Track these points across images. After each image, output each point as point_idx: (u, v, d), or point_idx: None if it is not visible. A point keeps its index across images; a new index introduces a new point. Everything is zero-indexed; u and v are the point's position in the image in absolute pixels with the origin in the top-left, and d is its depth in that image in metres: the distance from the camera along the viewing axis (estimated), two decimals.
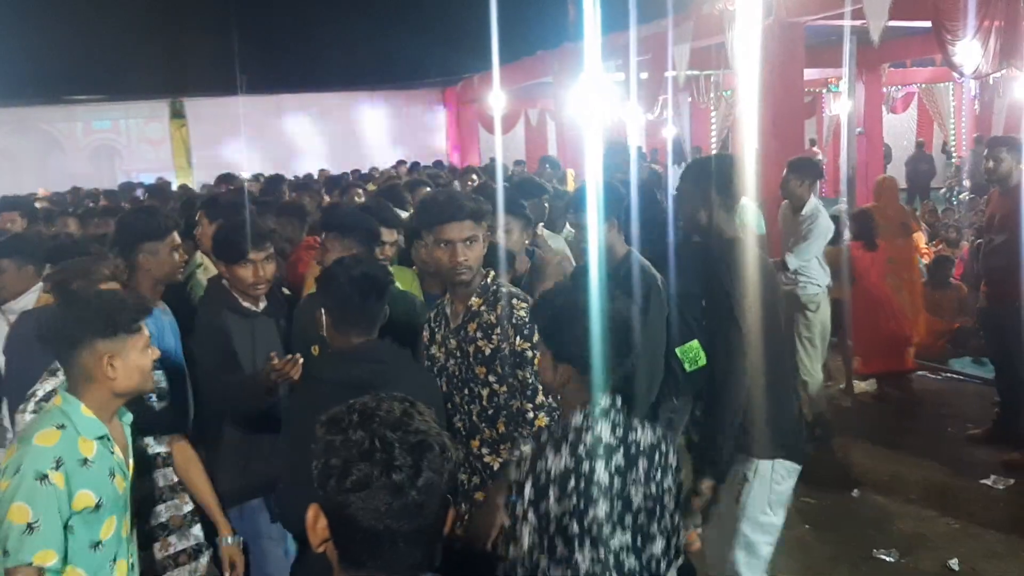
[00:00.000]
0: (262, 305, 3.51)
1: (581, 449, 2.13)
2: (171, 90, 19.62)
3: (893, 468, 5.45)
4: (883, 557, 4.42)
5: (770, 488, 3.23)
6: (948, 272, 7.61)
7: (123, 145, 19.44)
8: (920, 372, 7.15)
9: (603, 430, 2.19)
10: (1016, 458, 5.26)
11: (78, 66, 18.05)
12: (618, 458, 2.16)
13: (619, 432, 2.18)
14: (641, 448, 2.19)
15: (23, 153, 17.55)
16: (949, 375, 6.97)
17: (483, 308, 2.97)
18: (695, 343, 3.51)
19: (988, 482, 5.15)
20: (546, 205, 5.35)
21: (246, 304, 3.47)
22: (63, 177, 14.90)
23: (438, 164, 16.09)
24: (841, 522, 4.80)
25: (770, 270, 3.34)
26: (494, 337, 2.91)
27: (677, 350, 3.60)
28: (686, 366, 3.57)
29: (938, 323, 7.47)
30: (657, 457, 2.30)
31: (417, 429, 1.73)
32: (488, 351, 2.93)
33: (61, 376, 2.91)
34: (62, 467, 2.21)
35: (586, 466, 2.11)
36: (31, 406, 2.77)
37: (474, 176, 10.41)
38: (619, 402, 2.32)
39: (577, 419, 2.24)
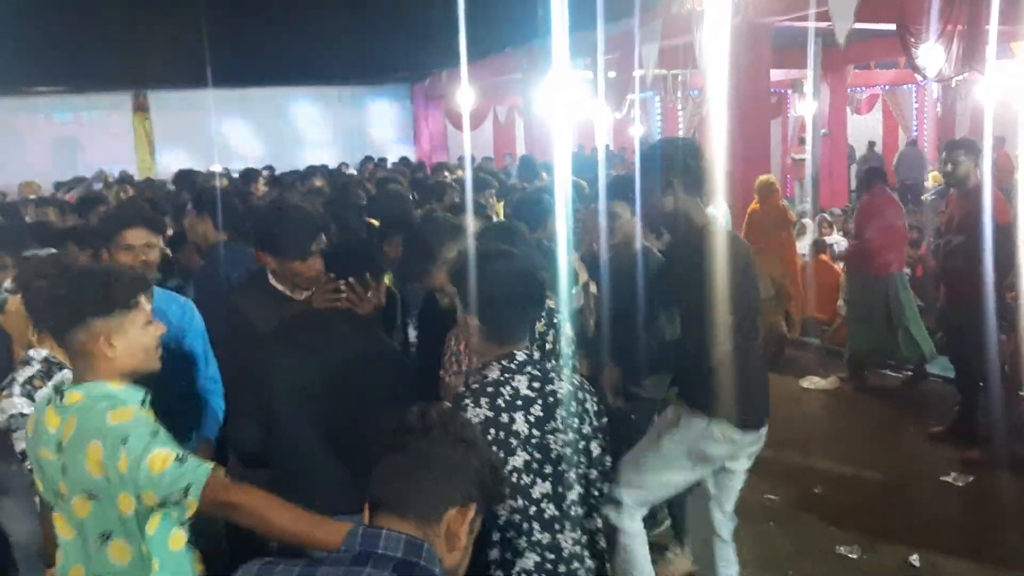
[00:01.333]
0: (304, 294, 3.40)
1: (500, 401, 2.27)
2: (134, 82, 19.34)
3: (855, 465, 5.51)
4: (845, 553, 4.47)
5: (694, 439, 3.23)
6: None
7: (85, 137, 19.12)
8: (882, 370, 7.25)
9: (521, 383, 2.32)
10: (976, 456, 5.35)
11: (38, 56, 17.69)
12: (535, 409, 2.31)
13: (536, 384, 2.35)
14: (559, 397, 2.37)
15: None
16: (910, 373, 7.06)
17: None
18: None
19: (948, 479, 5.23)
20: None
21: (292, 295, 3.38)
22: (23, 169, 14.61)
23: (404, 160, 16.04)
24: (803, 518, 4.85)
25: (744, 251, 3.34)
26: None
27: None
28: None
29: None
30: (575, 406, 2.40)
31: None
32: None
33: (36, 365, 2.93)
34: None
35: (505, 417, 2.26)
36: (17, 389, 2.85)
37: (446, 172, 10.40)
38: (536, 355, 2.39)
39: (494, 373, 2.32)
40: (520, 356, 2.36)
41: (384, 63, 21.01)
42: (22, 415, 2.83)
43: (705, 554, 3.57)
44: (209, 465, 2.12)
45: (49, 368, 2.93)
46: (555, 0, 6.45)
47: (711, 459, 3.30)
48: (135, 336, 2.25)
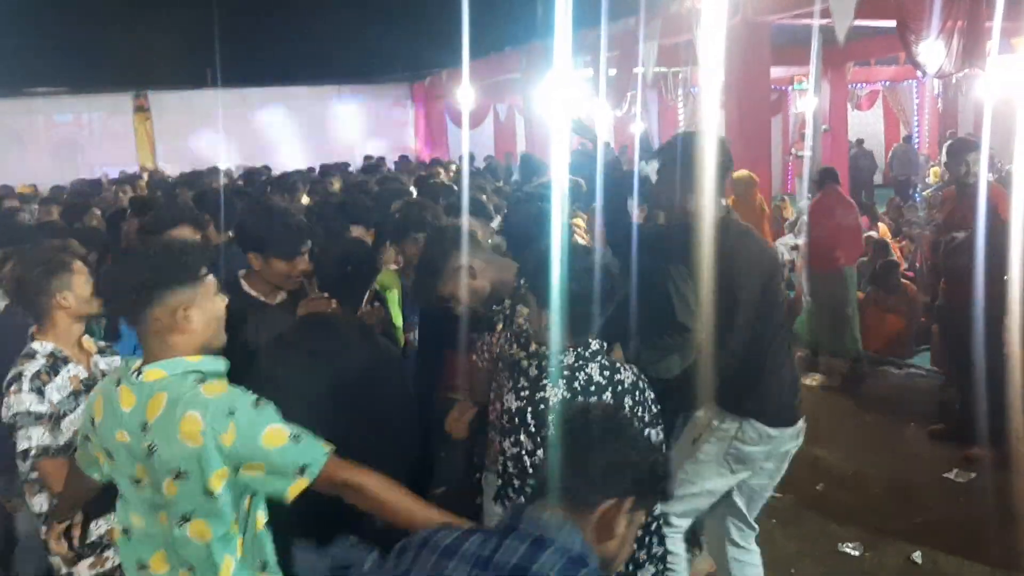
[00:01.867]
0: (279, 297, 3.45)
1: (576, 384, 2.40)
2: (135, 83, 19.34)
3: (856, 463, 5.52)
4: (848, 551, 4.48)
5: (730, 443, 3.21)
6: (895, 277, 7.75)
7: (85, 139, 19.13)
8: (882, 367, 7.26)
9: (593, 370, 2.45)
10: (977, 453, 5.35)
11: (38, 58, 17.74)
12: (607, 396, 2.43)
13: (607, 373, 2.47)
14: (626, 387, 2.49)
15: None
16: (911, 371, 7.07)
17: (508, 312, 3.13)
18: None
19: (950, 476, 5.23)
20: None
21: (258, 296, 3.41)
22: (24, 172, 14.63)
23: (403, 159, 16.06)
24: (805, 517, 4.85)
25: (763, 245, 3.34)
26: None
27: None
28: None
29: (895, 323, 7.61)
30: (638, 395, 2.52)
31: None
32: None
33: (41, 360, 2.86)
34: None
35: (580, 401, 2.35)
36: (26, 384, 2.80)
37: (440, 169, 10.41)
38: (604, 346, 2.47)
39: (569, 358, 2.43)
40: (594, 345, 2.48)
41: (385, 62, 21.06)
42: (28, 413, 2.77)
43: (721, 558, 3.56)
44: (328, 447, 2.15)
45: (55, 362, 2.88)
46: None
47: (749, 460, 3.27)
48: (209, 306, 2.24)
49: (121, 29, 18.97)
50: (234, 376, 2.25)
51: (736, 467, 3.27)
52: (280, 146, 19.35)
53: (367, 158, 15.87)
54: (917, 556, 4.39)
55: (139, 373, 2.16)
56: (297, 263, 3.34)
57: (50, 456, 2.79)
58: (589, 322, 2.50)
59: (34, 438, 2.78)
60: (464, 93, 15.70)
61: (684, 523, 3.36)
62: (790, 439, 3.31)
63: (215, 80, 14.56)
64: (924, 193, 13.48)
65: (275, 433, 2.09)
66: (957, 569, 4.29)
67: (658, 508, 3.16)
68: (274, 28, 19.76)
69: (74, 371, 2.90)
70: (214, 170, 10.97)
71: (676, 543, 3.32)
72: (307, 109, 21.51)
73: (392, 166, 14.21)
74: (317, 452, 2.12)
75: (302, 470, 2.10)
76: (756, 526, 3.50)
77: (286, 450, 2.09)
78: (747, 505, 3.41)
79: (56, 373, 2.86)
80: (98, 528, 2.85)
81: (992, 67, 7.71)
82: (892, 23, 8.40)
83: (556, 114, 11.46)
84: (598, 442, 1.75)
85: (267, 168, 13.90)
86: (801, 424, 3.34)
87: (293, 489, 2.11)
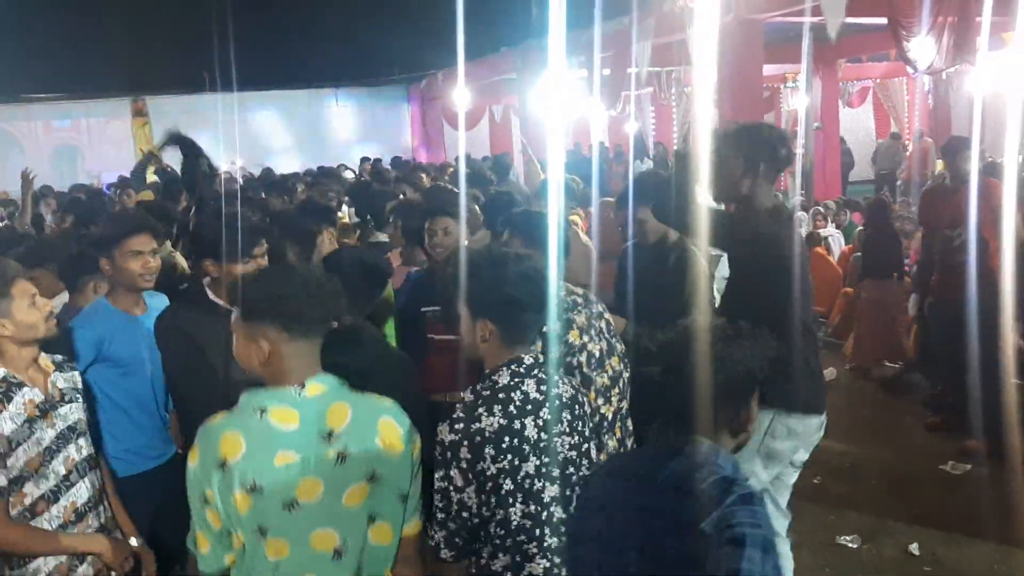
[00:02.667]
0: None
1: (511, 407, 2.27)
2: (133, 88, 19.35)
3: (853, 456, 5.58)
4: (845, 543, 4.55)
5: (762, 440, 3.26)
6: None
7: (84, 144, 19.16)
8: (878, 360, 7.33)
9: (530, 387, 2.32)
10: (973, 445, 5.42)
11: (37, 63, 17.75)
12: (544, 413, 2.31)
13: (543, 387, 2.34)
14: (564, 400, 2.37)
15: None
16: (907, 364, 7.13)
17: None
18: None
19: (946, 468, 5.31)
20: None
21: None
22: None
23: (396, 160, 16.12)
24: (803, 509, 4.90)
25: (798, 235, 3.39)
26: None
27: None
28: None
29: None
30: (577, 408, 2.41)
31: None
32: None
33: None
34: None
35: (517, 423, 2.26)
36: None
37: (422, 175, 10.52)
38: (540, 357, 2.40)
39: (504, 378, 2.32)
40: (528, 359, 2.35)
41: (381, 65, 21.10)
42: None
43: None
44: None
45: (8, 388, 2.64)
46: (550, 0, 6.51)
47: (779, 456, 3.31)
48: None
49: (119, 34, 18.99)
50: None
51: (768, 464, 3.31)
52: (278, 149, 19.39)
53: (364, 159, 15.92)
54: (915, 548, 4.45)
55: (302, 388, 2.15)
56: (252, 266, 3.24)
57: None
58: (527, 331, 2.37)
59: None
60: (460, 94, 15.76)
61: None
62: (815, 430, 3.35)
63: (213, 84, 14.54)
64: (924, 188, 13.55)
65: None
66: (955, 560, 4.36)
67: None
68: (271, 32, 19.79)
69: (29, 395, 2.68)
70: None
71: None
72: (304, 112, 21.54)
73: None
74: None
75: (415, 514, 2.28)
76: (789, 513, 3.56)
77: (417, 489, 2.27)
78: (776, 492, 3.46)
79: (9, 400, 2.63)
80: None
81: (982, 62, 7.79)
82: (883, 20, 8.48)
83: (552, 114, 11.55)
84: (703, 369, 1.87)
85: (269, 170, 13.95)
86: (824, 417, 3.37)
87: (409, 529, 2.27)
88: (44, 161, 18.20)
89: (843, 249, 9.36)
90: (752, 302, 3.18)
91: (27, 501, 2.64)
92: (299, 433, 2.10)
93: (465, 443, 2.21)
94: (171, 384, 3.40)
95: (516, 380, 2.31)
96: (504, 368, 2.33)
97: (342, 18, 19.86)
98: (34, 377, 2.74)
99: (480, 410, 2.25)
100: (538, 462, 2.27)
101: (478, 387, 2.34)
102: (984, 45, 7.58)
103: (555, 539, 2.28)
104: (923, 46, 7.83)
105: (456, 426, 2.24)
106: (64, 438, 2.73)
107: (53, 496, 2.69)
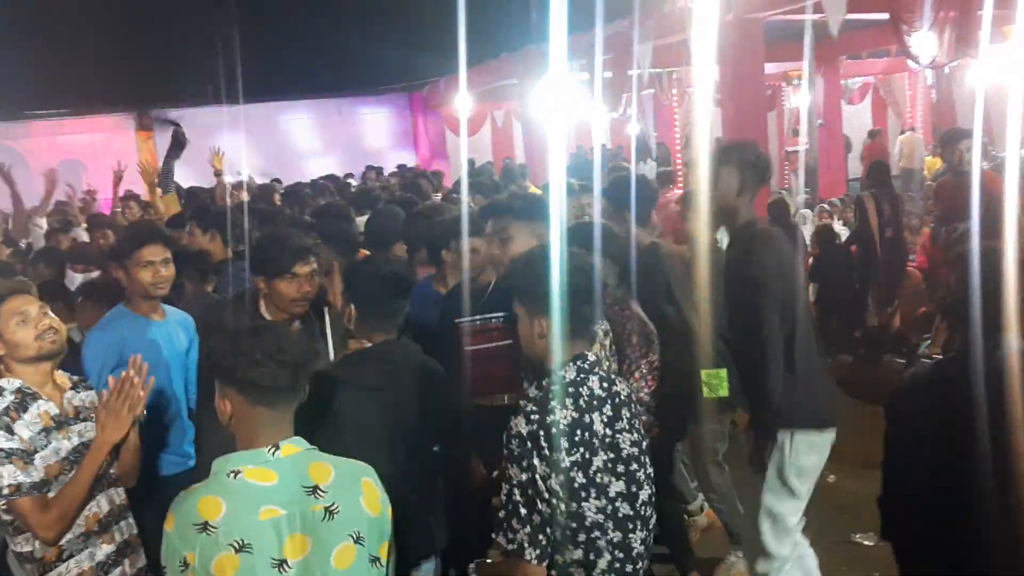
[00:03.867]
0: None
1: (581, 402, 2.32)
2: (136, 103, 19.42)
3: (866, 452, 5.53)
4: (860, 541, 4.53)
5: (788, 460, 3.30)
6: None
7: (89, 160, 19.21)
8: (887, 356, 7.31)
9: (594, 383, 2.37)
10: None
11: (39, 81, 17.84)
12: (607, 409, 2.36)
13: (606, 385, 2.40)
14: (623, 399, 2.43)
15: None
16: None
17: None
18: (723, 372, 3.56)
19: None
20: None
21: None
22: (30, 195, 14.69)
23: (402, 168, 16.15)
24: (817, 507, 4.88)
25: (791, 248, 3.45)
26: None
27: (703, 373, 3.63)
28: (704, 391, 3.62)
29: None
30: (632, 407, 2.47)
31: None
32: None
33: (9, 396, 2.71)
34: None
35: (587, 418, 2.31)
36: None
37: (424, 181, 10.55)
38: (599, 357, 2.49)
39: (571, 373, 2.35)
40: (591, 356, 2.41)
41: (381, 73, 21.15)
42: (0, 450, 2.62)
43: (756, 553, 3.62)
44: None
45: (23, 399, 2.71)
46: (549, 3, 6.53)
47: (809, 472, 3.40)
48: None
49: (121, 50, 19.07)
50: None
51: (800, 480, 3.40)
52: (282, 160, 19.43)
53: (369, 168, 15.95)
54: None
55: (276, 450, 2.10)
56: (296, 284, 3.28)
57: (24, 493, 2.63)
58: (589, 324, 2.43)
59: (5, 476, 2.60)
60: (461, 101, 15.79)
61: (787, 551, 3.49)
62: (831, 440, 3.45)
63: (216, 97, 14.60)
64: (926, 184, 13.55)
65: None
66: None
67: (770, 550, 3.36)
68: (272, 44, 19.87)
69: (44, 407, 2.73)
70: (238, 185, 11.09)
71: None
72: (307, 122, 21.59)
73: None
74: None
75: None
76: (804, 517, 3.60)
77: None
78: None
79: (25, 410, 2.70)
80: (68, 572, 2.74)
81: (985, 56, 7.78)
82: (884, 15, 8.48)
83: (553, 118, 11.57)
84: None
85: (278, 181, 14.00)
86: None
87: None
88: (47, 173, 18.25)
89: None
90: (757, 317, 3.23)
91: None
92: (280, 488, 2.05)
93: (542, 432, 2.25)
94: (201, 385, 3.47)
95: (582, 376, 2.36)
96: (571, 364, 2.37)
97: (343, 28, 19.93)
98: (50, 392, 2.80)
99: (553, 403, 2.31)
100: (606, 457, 2.32)
101: (544, 382, 2.37)
102: (986, 39, 7.58)
103: (619, 534, 2.33)
104: (925, 40, 7.82)
105: (532, 417, 2.29)
106: (81, 453, 2.76)
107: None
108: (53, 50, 17.78)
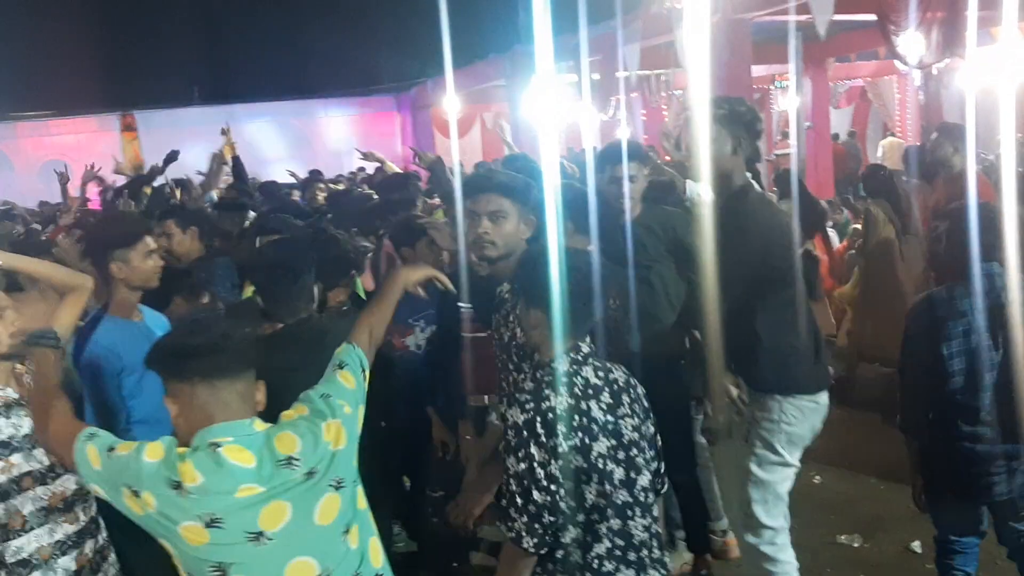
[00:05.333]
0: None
1: (576, 389, 2.37)
2: (121, 103, 19.33)
3: (852, 454, 5.54)
4: (846, 542, 4.49)
5: (779, 427, 3.26)
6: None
7: (74, 160, 19.11)
8: (875, 362, 7.27)
9: (588, 372, 2.42)
10: None
11: (21, 81, 17.74)
12: (605, 396, 2.40)
13: (601, 374, 2.44)
14: (621, 385, 2.47)
15: None
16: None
17: (507, 296, 2.99)
18: None
19: None
20: None
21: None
22: (14, 195, 14.62)
23: (380, 171, 16.09)
24: (803, 508, 4.85)
25: (782, 214, 3.42)
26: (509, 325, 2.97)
27: None
28: None
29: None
30: (632, 392, 2.50)
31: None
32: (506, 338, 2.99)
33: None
34: None
35: (584, 404, 2.35)
36: None
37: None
38: (592, 346, 2.49)
39: (563, 364, 2.40)
40: (584, 348, 2.46)
41: (371, 74, 21.13)
42: None
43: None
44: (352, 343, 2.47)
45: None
46: (536, 5, 6.49)
47: (800, 439, 3.34)
48: None
49: (106, 49, 18.97)
50: None
51: (789, 448, 3.33)
52: (268, 159, 19.37)
53: (360, 169, 15.89)
54: (916, 545, 4.42)
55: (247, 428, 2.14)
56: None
57: None
58: (587, 322, 2.46)
59: None
60: (450, 102, 15.75)
61: (780, 523, 3.39)
62: (825, 408, 3.37)
63: (202, 97, 14.57)
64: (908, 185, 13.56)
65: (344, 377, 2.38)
66: None
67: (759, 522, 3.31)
68: (258, 44, 19.81)
69: (1, 395, 2.82)
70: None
71: (785, 549, 3.40)
72: (294, 122, 21.53)
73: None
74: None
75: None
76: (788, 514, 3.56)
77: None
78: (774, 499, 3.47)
79: (7, 417, 2.78)
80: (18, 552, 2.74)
81: (972, 57, 7.77)
82: (872, 16, 8.47)
83: (542, 119, 11.53)
84: None
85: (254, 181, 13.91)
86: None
87: None
88: (34, 177, 18.16)
89: (838, 247, 9.33)
90: (745, 284, 3.20)
91: (14, 472, 2.73)
92: (258, 468, 2.07)
93: (539, 419, 2.29)
94: None
95: (575, 367, 2.41)
96: (564, 355, 2.42)
97: (330, 27, 19.88)
98: (6, 379, 2.86)
99: (546, 391, 2.35)
100: (609, 444, 2.35)
101: (538, 374, 2.44)
102: (972, 40, 7.57)
103: (618, 521, 2.37)
104: (912, 41, 7.82)
105: (527, 406, 2.34)
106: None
107: (41, 477, 2.78)
108: (38, 51, 17.67)
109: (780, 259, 3.25)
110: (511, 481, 2.30)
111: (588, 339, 2.50)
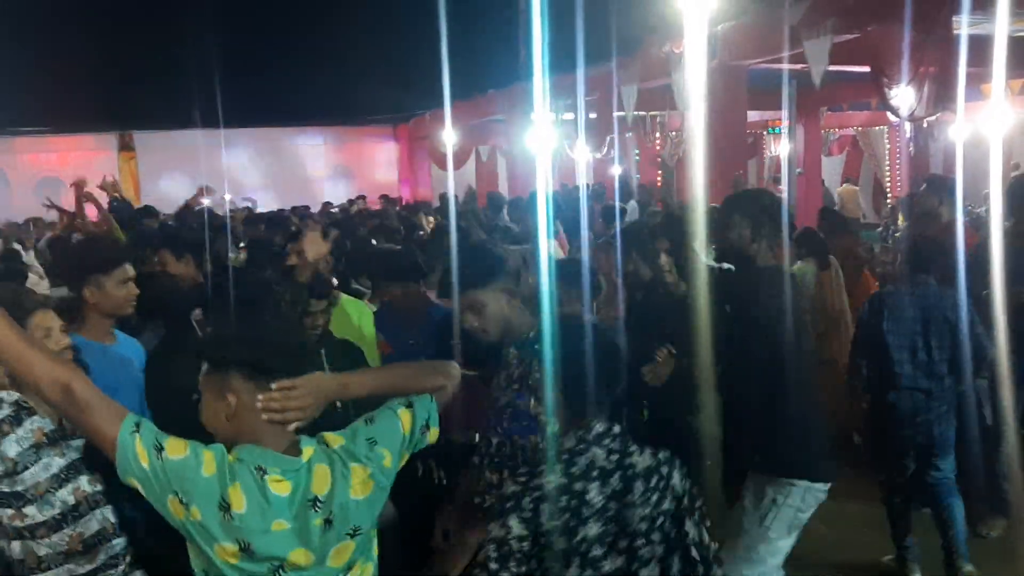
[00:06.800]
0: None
1: (574, 469, 2.28)
2: (118, 123, 19.42)
3: (832, 496, 5.54)
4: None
5: (795, 514, 3.29)
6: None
7: (69, 178, 19.14)
8: None
9: (597, 454, 2.31)
10: None
11: (20, 98, 17.78)
12: (614, 481, 2.29)
13: (615, 457, 2.32)
14: (638, 472, 2.33)
15: None
16: None
17: (514, 361, 3.01)
18: None
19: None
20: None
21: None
22: (7, 211, 14.64)
23: (385, 199, 16.20)
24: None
25: (799, 293, 3.52)
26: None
27: None
28: None
29: None
30: (655, 480, 2.35)
31: None
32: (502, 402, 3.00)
33: (6, 409, 2.69)
34: None
35: (579, 486, 2.26)
36: None
37: (430, 219, 10.56)
38: (615, 427, 2.37)
39: (570, 441, 2.33)
40: (598, 427, 2.35)
41: (369, 105, 21.28)
42: None
43: None
44: (430, 395, 2.36)
45: (18, 412, 2.70)
46: (536, 43, 6.61)
47: (801, 524, 3.36)
48: None
49: (105, 69, 19.08)
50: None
51: (794, 531, 3.36)
52: (263, 186, 19.46)
53: (360, 198, 16.02)
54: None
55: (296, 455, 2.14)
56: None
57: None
58: (583, 404, 2.36)
59: None
60: (447, 135, 15.91)
61: None
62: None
63: (200, 120, 14.64)
64: (897, 235, 13.71)
65: (405, 415, 2.31)
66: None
67: None
68: (258, 70, 19.95)
69: (39, 424, 2.71)
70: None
71: None
72: (291, 149, 21.67)
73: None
74: (427, 403, 2.37)
75: (427, 424, 2.36)
76: None
77: (415, 419, 2.33)
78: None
79: (20, 424, 2.69)
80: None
81: (962, 112, 7.93)
82: (866, 68, 8.64)
83: (537, 156, 11.66)
84: None
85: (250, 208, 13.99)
86: None
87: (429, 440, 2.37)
88: (29, 194, 18.17)
89: None
90: (758, 364, 3.27)
91: (27, 522, 2.65)
92: (291, 500, 2.10)
93: (526, 496, 2.24)
94: None
95: (583, 446, 2.32)
96: (571, 432, 2.35)
97: (330, 57, 20.07)
98: (48, 410, 2.74)
99: (542, 467, 2.31)
100: (600, 530, 2.26)
101: (540, 446, 2.43)
102: (963, 95, 7.73)
103: None
104: (904, 94, 7.98)
105: (519, 478, 2.31)
106: (75, 468, 2.73)
107: (56, 524, 2.68)
108: (39, 67, 17.76)
109: (808, 341, 3.34)
110: (490, 543, 2.27)
111: (607, 418, 2.39)
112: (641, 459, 2.36)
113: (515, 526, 2.23)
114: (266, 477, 2.08)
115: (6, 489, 2.63)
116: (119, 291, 3.45)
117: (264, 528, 2.06)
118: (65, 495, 2.71)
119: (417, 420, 2.30)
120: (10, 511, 2.65)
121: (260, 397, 2.10)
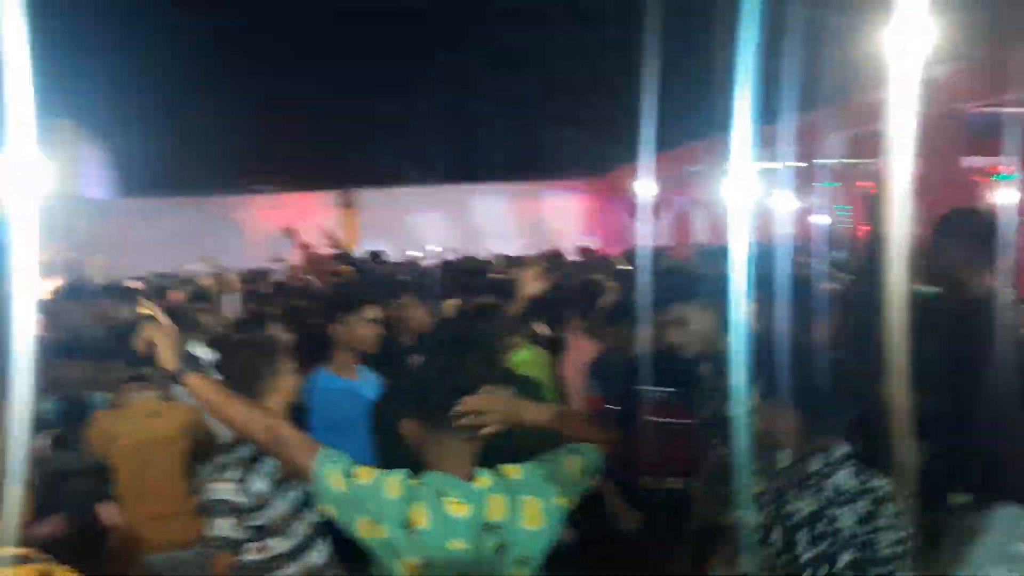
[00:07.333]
0: None
1: (825, 494, 2.21)
2: (342, 180, 20.92)
3: None
4: None
5: (1008, 541, 3.09)
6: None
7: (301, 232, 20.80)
8: None
9: (841, 477, 2.25)
10: None
11: (260, 159, 19.68)
12: (861, 505, 2.20)
13: (860, 479, 2.25)
14: (881, 495, 2.25)
15: (207, 237, 18.89)
16: None
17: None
18: None
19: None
20: None
21: None
22: (245, 260, 16.07)
23: (585, 252, 16.44)
24: None
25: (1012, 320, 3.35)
26: None
27: None
28: None
29: None
30: (891, 506, 2.27)
31: None
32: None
33: (245, 449, 2.91)
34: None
35: (830, 511, 2.19)
36: (227, 473, 2.86)
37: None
38: (850, 449, 2.30)
39: (815, 463, 2.28)
40: (841, 449, 2.28)
41: (563, 159, 21.77)
42: (223, 502, 2.76)
43: None
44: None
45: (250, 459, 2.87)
46: (737, 95, 6.67)
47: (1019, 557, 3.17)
48: None
49: (329, 130, 20.67)
50: None
51: (1012, 567, 3.16)
52: (476, 239, 20.21)
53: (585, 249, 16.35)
54: None
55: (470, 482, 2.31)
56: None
57: (226, 549, 2.78)
58: (824, 423, 2.29)
59: (222, 528, 2.76)
60: (644, 188, 16.04)
61: None
62: None
63: (414, 178, 15.53)
64: None
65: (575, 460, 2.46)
66: None
67: None
68: (464, 129, 20.97)
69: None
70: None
71: None
72: (501, 204, 22.50)
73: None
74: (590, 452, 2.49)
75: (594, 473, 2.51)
76: None
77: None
78: None
79: (262, 460, 2.84)
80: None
81: None
82: None
83: (737, 206, 11.51)
84: None
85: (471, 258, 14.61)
86: None
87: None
88: (261, 246, 19.84)
89: None
90: (958, 392, 3.11)
91: (269, 555, 2.83)
92: (467, 523, 2.25)
93: (776, 527, 2.21)
94: None
95: (828, 468, 2.26)
96: (817, 454, 2.29)
97: (528, 113, 20.74)
98: None
99: (788, 494, 2.25)
100: (856, 556, 2.17)
101: (780, 472, 2.33)
102: None
103: None
104: None
105: (765, 509, 2.27)
106: (306, 502, 2.93)
107: (291, 555, 2.87)
108: (274, 128, 19.47)
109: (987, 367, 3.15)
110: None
111: (843, 440, 2.31)
112: (882, 483, 2.28)
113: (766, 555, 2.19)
114: (446, 499, 2.25)
115: (233, 535, 2.78)
116: (366, 330, 3.74)
117: (443, 545, 2.21)
118: (300, 527, 2.91)
119: (587, 466, 2.41)
120: (255, 544, 2.81)
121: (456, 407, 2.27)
